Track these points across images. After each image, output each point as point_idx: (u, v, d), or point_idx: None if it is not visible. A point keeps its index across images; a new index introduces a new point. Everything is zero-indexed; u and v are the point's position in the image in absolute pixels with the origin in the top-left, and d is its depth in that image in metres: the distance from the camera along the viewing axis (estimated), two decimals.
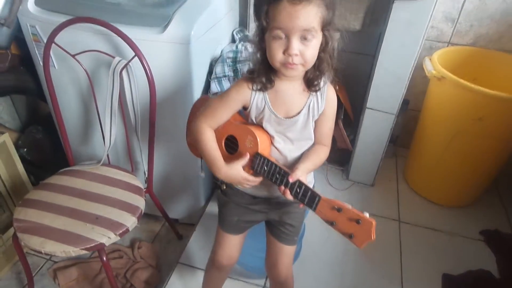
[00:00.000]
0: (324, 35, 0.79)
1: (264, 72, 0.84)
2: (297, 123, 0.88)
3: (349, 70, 1.88)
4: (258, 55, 0.84)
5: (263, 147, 0.88)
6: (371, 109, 1.56)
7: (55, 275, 1.39)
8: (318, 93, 0.87)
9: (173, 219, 1.60)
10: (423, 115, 1.70)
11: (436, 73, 1.44)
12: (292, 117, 0.87)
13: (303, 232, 1.35)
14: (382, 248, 1.51)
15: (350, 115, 1.79)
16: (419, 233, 1.60)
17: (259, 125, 0.90)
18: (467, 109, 1.42)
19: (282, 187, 0.84)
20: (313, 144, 0.93)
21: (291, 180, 0.81)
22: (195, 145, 0.98)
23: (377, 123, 1.58)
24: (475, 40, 1.67)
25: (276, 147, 0.90)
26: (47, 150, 1.71)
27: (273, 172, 0.85)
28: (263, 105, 0.87)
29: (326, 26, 0.78)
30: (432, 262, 1.47)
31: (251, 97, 0.87)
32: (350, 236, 0.75)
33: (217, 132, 0.93)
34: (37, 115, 1.81)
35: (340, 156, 1.82)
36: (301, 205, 0.83)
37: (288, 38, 0.76)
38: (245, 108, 0.90)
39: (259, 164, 0.87)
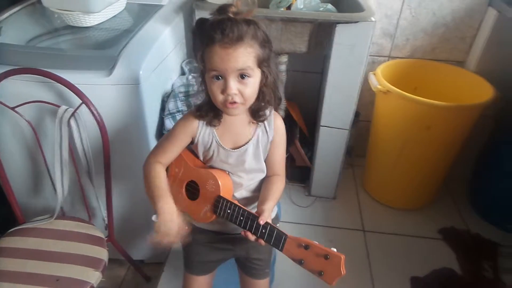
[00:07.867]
0: (262, 71, 0.81)
1: (211, 109, 0.85)
2: (246, 154, 0.88)
3: (299, 88, 1.90)
4: (204, 95, 0.86)
5: (225, 190, 0.87)
6: (325, 126, 1.60)
7: None
8: (266, 122, 0.89)
9: (139, 261, 1.53)
10: (374, 126, 1.77)
11: (382, 87, 1.51)
12: (240, 147, 0.88)
13: (274, 259, 1.35)
14: (351, 259, 1.49)
15: (305, 132, 1.83)
16: (383, 239, 1.66)
17: (221, 169, 0.89)
18: (414, 119, 1.50)
19: (247, 232, 0.82)
20: (268, 177, 0.93)
21: (262, 223, 0.80)
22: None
23: (332, 139, 1.63)
24: (412, 52, 1.78)
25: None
26: None
27: (236, 215, 0.84)
28: (211, 138, 0.88)
29: (262, 62, 0.80)
30: (400, 266, 1.53)
31: (198, 127, 0.87)
32: (320, 274, 0.73)
33: (178, 179, 0.91)
34: None
35: (301, 174, 1.85)
36: (261, 242, 0.81)
37: (225, 78, 0.77)
38: (192, 141, 0.90)
39: (222, 208, 0.86)
